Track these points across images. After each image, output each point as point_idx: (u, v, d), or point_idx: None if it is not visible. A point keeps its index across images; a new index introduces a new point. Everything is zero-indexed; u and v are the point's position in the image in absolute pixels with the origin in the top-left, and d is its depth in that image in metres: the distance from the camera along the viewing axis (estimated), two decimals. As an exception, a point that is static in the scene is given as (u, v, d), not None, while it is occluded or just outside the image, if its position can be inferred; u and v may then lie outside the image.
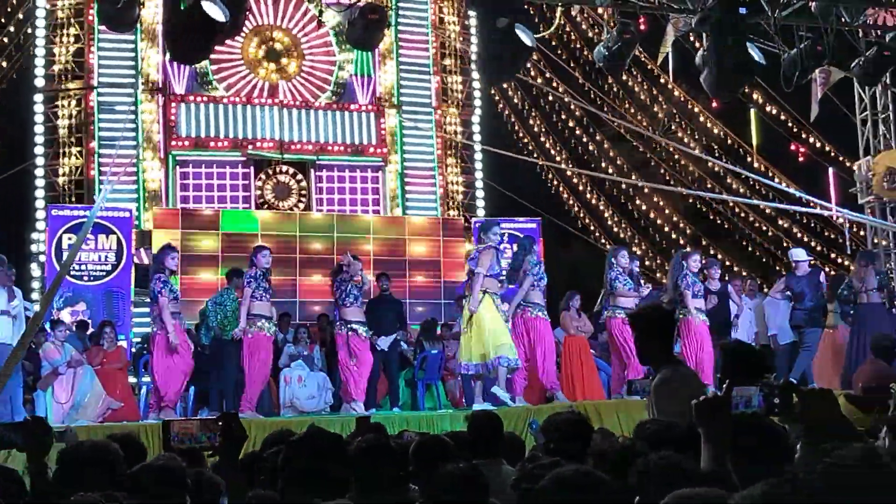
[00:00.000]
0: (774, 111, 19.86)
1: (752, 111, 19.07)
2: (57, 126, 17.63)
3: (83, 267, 15.10)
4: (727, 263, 21.65)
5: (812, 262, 12.54)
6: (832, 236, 20.57)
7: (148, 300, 15.52)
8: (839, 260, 19.59)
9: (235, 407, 10.12)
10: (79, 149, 17.59)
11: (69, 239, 14.88)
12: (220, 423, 2.96)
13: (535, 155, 21.59)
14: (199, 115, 17.69)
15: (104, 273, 15.21)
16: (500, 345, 10.22)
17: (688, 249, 12.62)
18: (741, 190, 21.10)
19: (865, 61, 11.32)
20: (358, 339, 10.36)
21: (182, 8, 8.80)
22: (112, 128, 17.13)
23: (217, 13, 8.63)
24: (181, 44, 8.77)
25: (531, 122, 22.13)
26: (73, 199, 17.35)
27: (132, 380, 12.32)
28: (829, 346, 11.81)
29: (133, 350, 13.88)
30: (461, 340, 10.63)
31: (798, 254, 12.35)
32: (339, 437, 3.33)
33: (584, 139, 22.44)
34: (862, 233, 18.28)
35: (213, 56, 17.55)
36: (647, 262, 22.41)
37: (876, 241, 17.09)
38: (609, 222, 22.53)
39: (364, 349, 10.43)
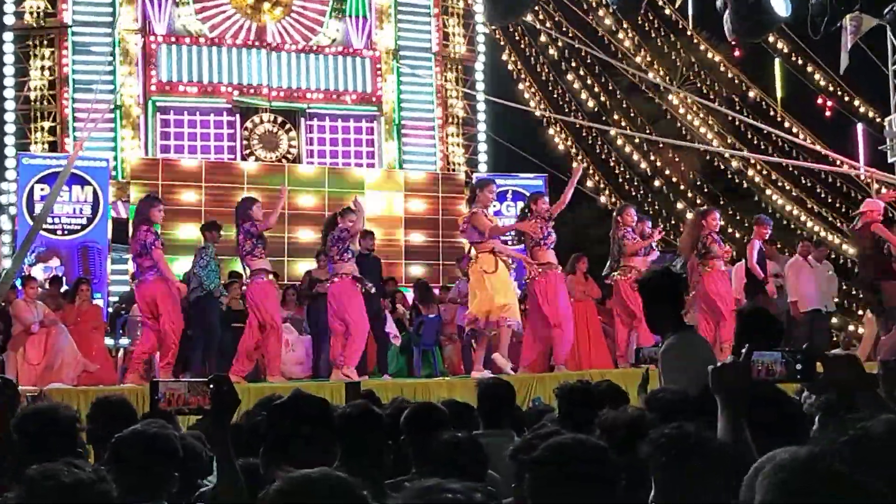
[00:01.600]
0: (801, 62, 19.71)
1: (777, 62, 18.91)
2: (28, 68, 17.51)
3: (57, 220, 15.07)
4: (746, 225, 21.59)
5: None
6: (859, 197, 20.50)
7: (126, 256, 15.61)
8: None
9: (220, 368, 10.14)
10: (52, 93, 17.49)
11: (42, 190, 14.86)
12: (211, 386, 2.93)
13: (542, 107, 21.47)
14: (182, 59, 17.55)
15: (79, 227, 15.20)
16: (504, 304, 10.24)
17: (706, 208, 12.58)
18: (763, 146, 21.00)
19: (900, 8, 11.19)
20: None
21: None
22: (88, 70, 17.02)
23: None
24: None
25: (538, 69, 21.96)
26: (46, 147, 17.27)
27: (109, 341, 12.33)
28: None
29: (110, 310, 13.89)
30: (472, 293, 10.65)
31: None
32: (324, 401, 3.32)
33: (596, 89, 22.28)
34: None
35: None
36: (659, 224, 22.37)
37: (906, 203, 17.01)
38: (620, 180, 22.46)
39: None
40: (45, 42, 17.60)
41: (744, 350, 2.60)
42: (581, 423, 3.65)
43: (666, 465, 2.39)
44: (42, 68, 17.53)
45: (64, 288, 12.72)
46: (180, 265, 12.76)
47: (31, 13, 17.56)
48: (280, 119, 18.08)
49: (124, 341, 12.14)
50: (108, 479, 2.20)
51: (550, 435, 2.73)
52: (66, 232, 15.13)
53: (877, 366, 7.24)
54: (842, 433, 2.12)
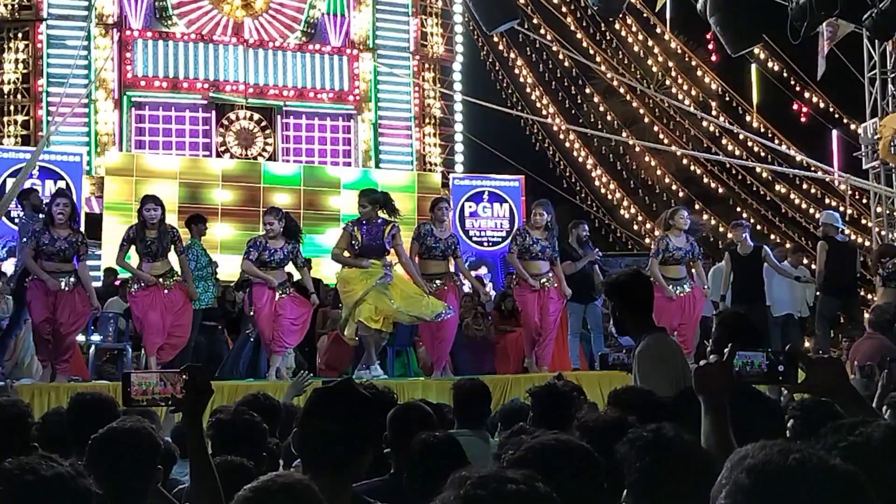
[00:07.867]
0: (777, 67, 19.84)
1: (754, 66, 19.02)
2: (2, 61, 17.33)
3: (29, 215, 14.91)
4: (720, 229, 21.74)
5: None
6: (833, 203, 20.66)
7: (99, 252, 15.48)
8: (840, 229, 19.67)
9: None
10: (25, 86, 17.32)
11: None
12: (184, 376, 2.87)
13: (520, 108, 21.50)
14: (157, 54, 17.44)
15: (51, 222, 15.02)
16: None
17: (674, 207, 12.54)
18: (738, 151, 21.13)
19: (878, 14, 11.19)
20: None
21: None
22: (62, 64, 16.86)
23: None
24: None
25: (516, 71, 22.00)
26: (19, 140, 17.11)
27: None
28: None
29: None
30: None
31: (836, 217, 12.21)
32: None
33: (573, 92, 22.35)
34: (864, 200, 18.35)
35: (173, -11, 17.38)
36: (635, 227, 22.47)
37: (879, 209, 17.15)
38: (597, 182, 22.54)
39: None
40: (20, 35, 17.44)
41: (727, 350, 2.59)
42: (555, 424, 3.64)
43: (642, 467, 2.37)
44: (16, 61, 17.37)
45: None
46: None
47: (6, 5, 17.39)
48: (256, 116, 18.00)
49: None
50: (85, 474, 2.15)
51: (532, 436, 2.72)
52: (38, 227, 14.97)
53: (854, 369, 7.28)
54: (839, 439, 2.08)
